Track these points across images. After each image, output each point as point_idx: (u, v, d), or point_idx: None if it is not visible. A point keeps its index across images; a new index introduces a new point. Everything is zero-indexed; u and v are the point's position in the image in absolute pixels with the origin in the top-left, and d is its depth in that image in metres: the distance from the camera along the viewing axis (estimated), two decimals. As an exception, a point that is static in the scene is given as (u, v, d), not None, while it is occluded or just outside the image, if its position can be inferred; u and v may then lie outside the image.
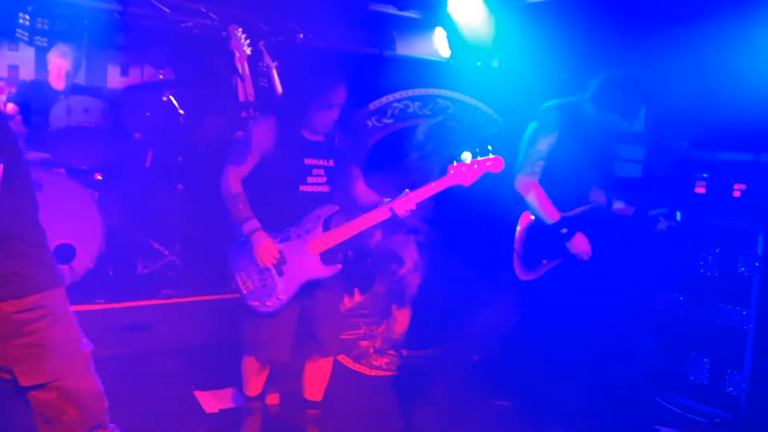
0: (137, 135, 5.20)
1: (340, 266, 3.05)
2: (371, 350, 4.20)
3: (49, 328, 1.97)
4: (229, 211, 3.03)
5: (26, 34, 5.07)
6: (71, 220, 4.14)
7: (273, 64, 4.28)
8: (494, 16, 4.78)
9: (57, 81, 5.18)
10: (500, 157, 2.87)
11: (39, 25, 5.09)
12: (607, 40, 4.27)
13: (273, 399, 3.73)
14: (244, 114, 4.27)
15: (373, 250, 4.17)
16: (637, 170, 4.48)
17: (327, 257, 3.02)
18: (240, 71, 4.25)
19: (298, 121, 2.99)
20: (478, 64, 4.91)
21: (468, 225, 3.61)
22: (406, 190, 2.96)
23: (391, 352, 4.28)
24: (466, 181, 2.89)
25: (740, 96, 3.77)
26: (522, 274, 3.33)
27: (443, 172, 2.92)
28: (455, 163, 2.89)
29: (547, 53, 4.56)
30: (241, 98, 4.28)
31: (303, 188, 3.01)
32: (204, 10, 4.79)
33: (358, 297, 4.13)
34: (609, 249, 3.48)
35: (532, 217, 3.32)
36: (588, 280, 3.35)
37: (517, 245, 3.30)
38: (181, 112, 5.17)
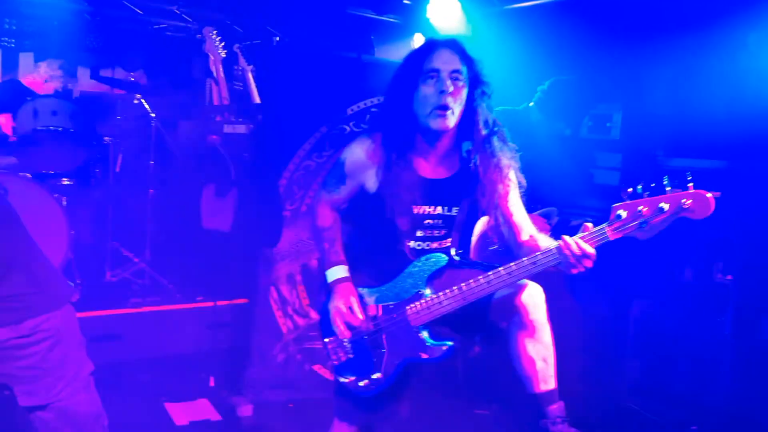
0: (107, 139, 5.08)
1: (450, 344, 2.22)
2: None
3: (50, 351, 1.97)
4: (317, 249, 2.39)
5: (-7, 34, 4.96)
6: (37, 227, 3.98)
7: (249, 68, 4.22)
8: (472, 23, 4.76)
9: (36, 85, 5.05)
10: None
11: (7, 26, 4.98)
12: (585, 47, 4.26)
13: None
14: (218, 118, 4.20)
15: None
16: (614, 178, 4.48)
17: (434, 331, 2.25)
18: (214, 74, 4.19)
19: (407, 139, 2.13)
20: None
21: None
22: (586, 224, 2.09)
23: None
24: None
25: (716, 104, 3.78)
26: None
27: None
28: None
29: (525, 60, 4.55)
30: (216, 102, 4.23)
31: (410, 244, 2.25)
32: (178, 12, 4.73)
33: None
34: None
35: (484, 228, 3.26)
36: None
37: (473, 254, 3.24)
38: (153, 115, 5.07)
